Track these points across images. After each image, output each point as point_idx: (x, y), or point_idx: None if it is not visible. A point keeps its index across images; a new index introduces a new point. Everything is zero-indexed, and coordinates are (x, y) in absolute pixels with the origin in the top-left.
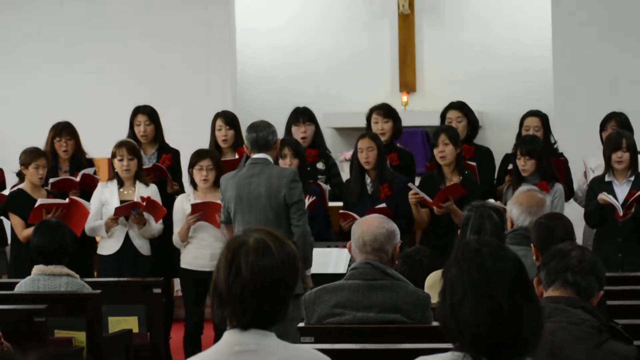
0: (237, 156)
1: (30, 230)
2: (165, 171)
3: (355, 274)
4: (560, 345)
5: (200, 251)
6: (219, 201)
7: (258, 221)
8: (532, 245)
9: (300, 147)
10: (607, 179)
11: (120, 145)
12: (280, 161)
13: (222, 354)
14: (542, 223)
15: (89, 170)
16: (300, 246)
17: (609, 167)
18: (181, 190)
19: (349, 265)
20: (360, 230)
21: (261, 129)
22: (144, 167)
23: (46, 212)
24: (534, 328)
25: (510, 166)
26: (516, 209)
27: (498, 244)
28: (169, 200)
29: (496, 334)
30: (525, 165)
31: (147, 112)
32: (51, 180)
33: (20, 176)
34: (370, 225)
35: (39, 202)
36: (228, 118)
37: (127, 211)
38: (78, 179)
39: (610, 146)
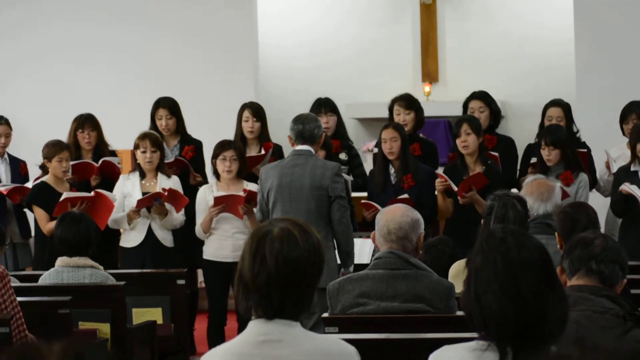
0: (262, 151)
1: (53, 223)
2: (187, 163)
3: (379, 264)
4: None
5: (223, 242)
6: (241, 193)
7: (300, 210)
8: (556, 234)
9: (327, 138)
10: (632, 168)
11: (143, 137)
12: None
13: (246, 344)
14: (566, 212)
15: (113, 160)
16: (343, 243)
17: (634, 157)
18: (204, 182)
19: (373, 255)
20: (385, 219)
21: (308, 121)
22: (166, 161)
23: (71, 206)
24: (558, 317)
25: (534, 159)
26: (529, 200)
27: (523, 232)
28: (191, 191)
29: (521, 323)
30: (549, 155)
31: (168, 105)
32: (72, 162)
33: (44, 169)
34: (395, 214)
35: (64, 195)
36: (255, 109)
37: (149, 202)
38: (98, 164)
39: (635, 136)
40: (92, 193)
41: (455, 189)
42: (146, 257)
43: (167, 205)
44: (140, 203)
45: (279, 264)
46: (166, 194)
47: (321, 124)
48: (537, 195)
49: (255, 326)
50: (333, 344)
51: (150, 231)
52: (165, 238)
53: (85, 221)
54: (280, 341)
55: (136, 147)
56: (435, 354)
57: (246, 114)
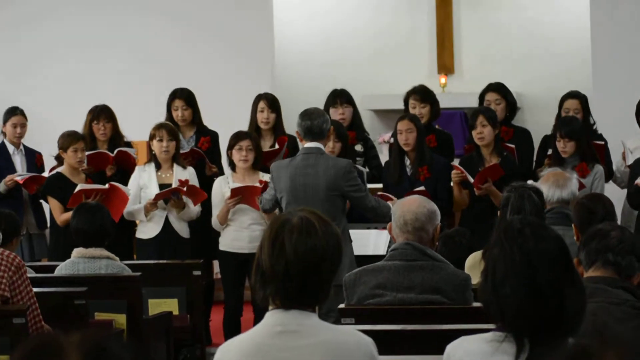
0: (277, 146)
1: (68, 214)
2: (203, 154)
3: (395, 255)
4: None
5: (239, 233)
6: (257, 184)
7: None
8: (572, 225)
9: (343, 130)
10: None
11: (160, 126)
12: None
13: (263, 334)
14: (582, 204)
15: (129, 150)
16: (380, 209)
17: None
18: (220, 173)
19: (389, 247)
20: (401, 210)
21: (315, 117)
22: (182, 151)
23: (85, 198)
24: (576, 309)
25: (550, 151)
26: (544, 188)
27: (541, 223)
28: (207, 182)
29: (538, 314)
30: (565, 147)
31: (184, 97)
32: (87, 153)
33: (59, 160)
34: (411, 205)
35: (79, 187)
36: (271, 100)
37: (167, 196)
38: (114, 154)
39: None
40: (107, 186)
41: (472, 180)
42: (163, 248)
43: (184, 198)
44: (158, 197)
45: (297, 253)
46: (185, 189)
47: (328, 117)
48: (552, 182)
49: (272, 316)
50: (350, 334)
51: (167, 223)
52: (182, 229)
53: (102, 212)
54: (297, 332)
55: (152, 137)
56: (453, 345)
57: (262, 104)
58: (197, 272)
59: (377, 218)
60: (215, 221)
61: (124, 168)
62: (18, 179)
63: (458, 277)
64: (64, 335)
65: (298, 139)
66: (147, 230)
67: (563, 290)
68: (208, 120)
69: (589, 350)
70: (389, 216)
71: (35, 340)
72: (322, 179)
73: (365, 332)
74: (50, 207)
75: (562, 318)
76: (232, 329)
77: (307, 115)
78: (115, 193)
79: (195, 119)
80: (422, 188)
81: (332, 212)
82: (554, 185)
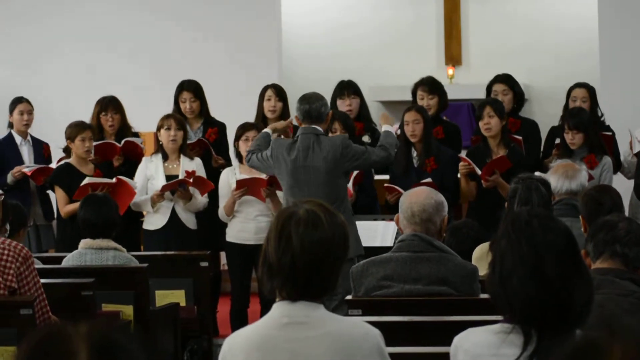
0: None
1: (72, 206)
2: (208, 145)
3: (402, 246)
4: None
5: (246, 225)
6: (264, 176)
7: (316, 195)
8: (580, 217)
9: (350, 121)
10: None
11: (168, 116)
12: (330, 135)
13: (270, 325)
14: (590, 195)
15: (136, 140)
16: (381, 148)
17: None
18: (227, 164)
19: (396, 238)
20: (408, 201)
21: (314, 100)
22: (188, 142)
23: (92, 191)
24: (584, 300)
25: (558, 140)
26: (553, 179)
27: (549, 215)
28: (213, 174)
29: (545, 306)
30: (573, 139)
31: (192, 89)
32: (94, 143)
33: (67, 152)
34: (419, 196)
35: (86, 180)
36: (278, 90)
37: (174, 187)
38: (121, 144)
39: None
40: (114, 179)
41: (479, 172)
42: (170, 239)
43: (191, 189)
44: (165, 188)
45: (304, 245)
46: (191, 180)
47: (327, 102)
48: (561, 173)
49: (279, 308)
50: (357, 326)
51: (173, 213)
52: (189, 220)
53: (109, 203)
54: (304, 323)
55: (160, 126)
56: (460, 337)
57: (269, 92)
58: (204, 264)
59: (389, 162)
60: (221, 212)
61: (131, 158)
62: (25, 170)
63: (465, 268)
64: (73, 326)
65: (297, 123)
66: (154, 221)
67: (571, 282)
68: (216, 112)
69: (597, 342)
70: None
71: (44, 331)
72: (322, 162)
73: (372, 323)
74: (55, 196)
75: (570, 309)
76: (239, 320)
77: (306, 99)
78: (122, 187)
79: (203, 110)
80: (429, 180)
81: (335, 192)
82: (562, 177)
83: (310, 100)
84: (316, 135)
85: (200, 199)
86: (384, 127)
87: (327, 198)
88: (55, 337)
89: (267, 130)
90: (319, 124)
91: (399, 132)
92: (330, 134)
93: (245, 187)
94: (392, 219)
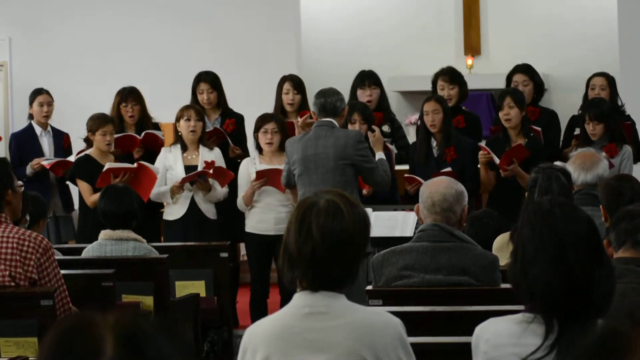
0: (299, 119)
1: (97, 195)
2: (225, 135)
3: (423, 236)
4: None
5: (265, 215)
6: (283, 166)
7: (325, 181)
8: (600, 206)
9: (369, 112)
10: None
11: (188, 107)
12: (349, 126)
13: (291, 316)
14: (610, 185)
15: (157, 133)
16: (384, 172)
17: None
18: (244, 155)
19: (416, 228)
20: (429, 190)
21: (329, 95)
22: (206, 130)
23: (114, 177)
24: (606, 290)
25: (577, 130)
26: (571, 169)
27: (571, 204)
28: (230, 164)
29: (567, 295)
30: (594, 130)
31: (210, 80)
32: (115, 135)
33: (88, 142)
34: (439, 185)
35: (107, 166)
36: (295, 82)
37: (194, 178)
38: (141, 137)
39: None
40: (135, 165)
41: (498, 161)
42: (189, 229)
43: (210, 180)
44: (185, 180)
45: (324, 235)
46: (211, 171)
47: (343, 97)
48: (579, 164)
49: (300, 298)
50: (378, 315)
51: (193, 204)
52: (209, 210)
53: (129, 194)
54: (325, 313)
55: (179, 117)
56: (481, 327)
57: (286, 86)
58: (224, 254)
59: (384, 189)
60: (240, 202)
61: (152, 150)
62: (44, 163)
63: (486, 258)
64: (99, 315)
65: (314, 118)
66: (174, 211)
67: (592, 271)
68: (235, 104)
69: (620, 331)
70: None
71: (70, 320)
72: (331, 148)
73: (393, 313)
74: (79, 189)
75: (592, 299)
76: (259, 311)
77: (322, 93)
78: (143, 172)
79: (221, 102)
80: (448, 169)
81: (342, 182)
82: (579, 168)
83: (326, 95)
84: (330, 128)
85: (220, 190)
86: (377, 155)
87: (336, 187)
88: (81, 326)
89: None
90: (334, 117)
91: (419, 122)
92: (349, 126)
93: (265, 177)
94: (411, 209)
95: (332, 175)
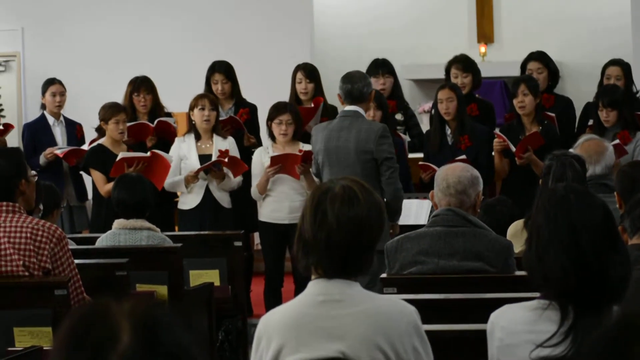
0: (312, 105)
1: (111, 185)
2: (241, 123)
3: (437, 221)
4: None
5: (279, 204)
6: (298, 153)
7: (344, 174)
8: (615, 193)
9: (383, 99)
10: None
11: (202, 96)
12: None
13: (306, 303)
14: (625, 171)
15: (170, 120)
16: (393, 203)
17: None
18: (258, 144)
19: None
20: (444, 173)
21: (357, 80)
22: (220, 119)
23: (127, 166)
24: (621, 276)
25: (591, 121)
26: None
27: (586, 190)
28: (245, 153)
29: (582, 282)
30: (607, 117)
31: (223, 70)
32: (127, 124)
33: (100, 131)
34: (455, 169)
35: (121, 155)
36: (309, 71)
37: (209, 167)
38: (154, 124)
39: None
40: (149, 153)
41: (514, 149)
42: (204, 218)
43: (225, 169)
44: (200, 169)
45: (339, 222)
46: (226, 160)
47: (370, 81)
48: (585, 158)
49: (315, 286)
50: (393, 303)
51: (207, 192)
52: (223, 199)
53: (142, 183)
54: (340, 301)
55: (193, 106)
56: (496, 314)
57: (299, 75)
58: (238, 243)
59: (390, 200)
60: (254, 191)
61: (165, 138)
62: (57, 152)
63: (500, 243)
64: (115, 303)
65: (340, 102)
66: (188, 200)
67: (607, 257)
68: (248, 93)
69: (636, 318)
70: (399, 212)
71: (86, 307)
72: (353, 141)
73: (407, 301)
74: (93, 179)
75: (607, 285)
76: (273, 300)
77: (349, 78)
78: (157, 160)
79: (234, 92)
80: (463, 157)
81: (363, 176)
82: (586, 162)
83: (353, 80)
84: (355, 118)
85: (234, 179)
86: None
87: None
88: (97, 314)
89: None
90: (360, 103)
91: (432, 110)
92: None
93: (279, 164)
94: (425, 197)
95: (352, 170)
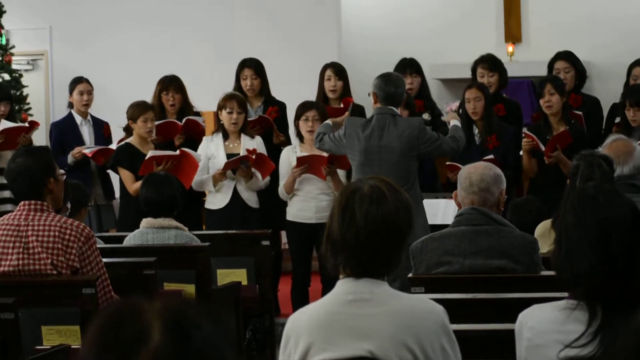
0: (342, 105)
1: (139, 183)
2: (271, 122)
3: (461, 220)
4: None
5: (306, 204)
6: (324, 154)
7: (386, 173)
8: None
9: (411, 99)
10: None
11: (231, 97)
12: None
13: (335, 302)
14: None
15: (198, 119)
16: (452, 140)
17: None
18: (287, 142)
19: None
20: (467, 172)
21: (400, 84)
22: (250, 119)
23: (156, 165)
24: None
25: (618, 119)
26: None
27: (615, 190)
28: (275, 151)
29: (611, 282)
30: (635, 116)
31: (254, 66)
32: (156, 122)
33: (127, 131)
34: (477, 167)
35: (150, 153)
36: (337, 69)
37: (236, 164)
38: (182, 123)
39: None
40: (178, 152)
41: (543, 148)
42: (232, 218)
43: (252, 169)
44: (227, 165)
45: (368, 221)
46: (254, 157)
47: (405, 84)
48: (613, 158)
49: (343, 285)
50: (421, 302)
51: (235, 193)
52: (251, 199)
53: (170, 182)
54: (369, 300)
55: (221, 107)
56: (525, 313)
57: (329, 72)
58: (265, 242)
59: (456, 155)
60: (281, 190)
61: (193, 137)
62: (86, 151)
63: (525, 239)
64: (146, 301)
65: (372, 100)
66: (216, 200)
67: (636, 257)
68: (276, 92)
69: None
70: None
71: (117, 305)
72: (396, 141)
73: (435, 301)
74: (121, 178)
75: (636, 285)
76: (300, 299)
77: (392, 82)
78: (186, 159)
79: (264, 89)
80: (491, 157)
81: (406, 174)
82: (614, 162)
83: (397, 84)
84: (392, 116)
85: (261, 178)
86: (452, 122)
87: (397, 179)
88: (128, 312)
89: (328, 121)
90: (396, 106)
91: (460, 110)
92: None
93: (306, 164)
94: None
95: (396, 169)
